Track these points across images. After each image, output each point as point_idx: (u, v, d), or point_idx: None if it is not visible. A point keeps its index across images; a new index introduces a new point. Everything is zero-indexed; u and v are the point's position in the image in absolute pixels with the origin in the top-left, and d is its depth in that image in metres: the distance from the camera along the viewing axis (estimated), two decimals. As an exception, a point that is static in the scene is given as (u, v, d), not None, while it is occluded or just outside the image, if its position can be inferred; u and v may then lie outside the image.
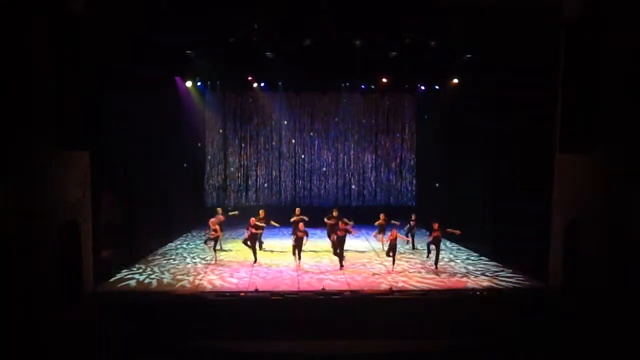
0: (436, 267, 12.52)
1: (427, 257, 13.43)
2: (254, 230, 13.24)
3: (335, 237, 12.97)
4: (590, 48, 9.78)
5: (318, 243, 15.33)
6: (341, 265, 12.57)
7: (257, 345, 8.90)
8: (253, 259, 13.04)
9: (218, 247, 13.77)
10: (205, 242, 14.19)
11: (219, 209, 15.29)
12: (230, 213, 15.57)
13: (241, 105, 19.95)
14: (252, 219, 13.47)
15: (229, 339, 8.99)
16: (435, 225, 12.71)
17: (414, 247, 15.10)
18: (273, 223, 14.70)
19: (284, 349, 8.92)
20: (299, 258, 12.83)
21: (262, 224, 13.91)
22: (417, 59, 14.28)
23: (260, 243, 14.70)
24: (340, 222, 13.01)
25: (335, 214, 14.73)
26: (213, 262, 13.03)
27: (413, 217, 15.25)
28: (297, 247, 12.86)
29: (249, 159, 20.16)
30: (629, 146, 9.10)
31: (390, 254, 12.45)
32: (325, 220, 14.72)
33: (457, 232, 12.90)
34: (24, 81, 8.63)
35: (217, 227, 13.50)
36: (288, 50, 13.44)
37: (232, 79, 17.90)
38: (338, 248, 12.73)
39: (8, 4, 8.26)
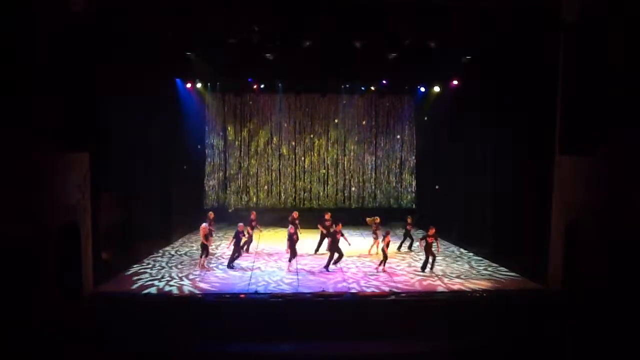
0: (432, 270, 12.31)
1: (423, 270, 12.46)
2: (245, 235, 13.08)
3: (331, 239, 12.90)
4: (590, 48, 9.79)
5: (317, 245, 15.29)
6: (334, 263, 12.48)
7: (256, 347, 8.88)
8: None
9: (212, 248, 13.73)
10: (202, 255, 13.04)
11: (211, 214, 14.72)
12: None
13: (241, 107, 19.95)
14: (240, 225, 12.97)
15: (229, 340, 8.97)
16: (432, 231, 12.36)
17: (410, 248, 15.09)
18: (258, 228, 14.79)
19: (283, 351, 8.90)
20: (289, 260, 12.63)
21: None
22: (416, 60, 14.27)
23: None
24: (337, 225, 12.85)
25: (328, 216, 14.68)
26: (199, 267, 12.58)
27: (409, 220, 15.18)
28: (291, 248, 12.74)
29: (249, 161, 20.16)
30: (629, 146, 9.11)
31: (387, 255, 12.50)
32: (320, 227, 14.47)
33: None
34: (24, 82, 8.61)
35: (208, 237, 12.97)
36: (288, 51, 13.43)
37: (232, 80, 17.91)
38: (333, 249, 12.61)
39: (8, 4, 8.25)
